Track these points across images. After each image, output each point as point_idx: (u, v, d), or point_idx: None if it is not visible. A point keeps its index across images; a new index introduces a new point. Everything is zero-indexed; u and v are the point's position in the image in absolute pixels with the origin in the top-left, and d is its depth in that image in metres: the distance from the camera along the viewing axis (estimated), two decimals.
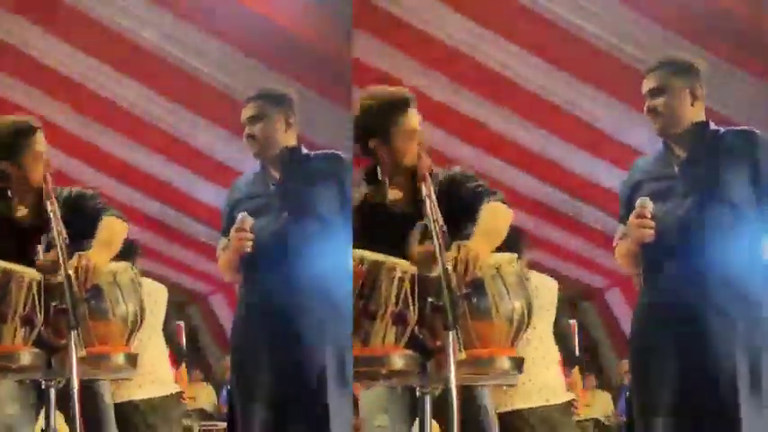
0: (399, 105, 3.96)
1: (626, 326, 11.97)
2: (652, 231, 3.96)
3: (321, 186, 4.37)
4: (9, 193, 4.36)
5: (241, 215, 4.25)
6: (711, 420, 3.88)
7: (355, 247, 3.78)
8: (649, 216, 3.95)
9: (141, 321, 4.29)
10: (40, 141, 4.35)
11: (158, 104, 8.75)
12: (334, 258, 4.32)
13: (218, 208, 4.81)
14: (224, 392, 11.55)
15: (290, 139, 4.45)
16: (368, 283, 3.61)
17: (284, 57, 7.40)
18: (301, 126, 4.56)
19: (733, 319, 3.92)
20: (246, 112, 4.42)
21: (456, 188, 3.91)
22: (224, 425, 10.68)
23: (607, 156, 8.08)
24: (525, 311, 3.73)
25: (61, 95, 8.46)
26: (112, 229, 4.28)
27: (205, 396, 12.02)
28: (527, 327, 3.76)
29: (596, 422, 11.12)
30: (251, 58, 7.81)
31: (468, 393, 3.83)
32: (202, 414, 11.43)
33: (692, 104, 4.06)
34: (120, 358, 4.21)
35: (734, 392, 3.86)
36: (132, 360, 4.25)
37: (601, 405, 11.14)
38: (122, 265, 4.31)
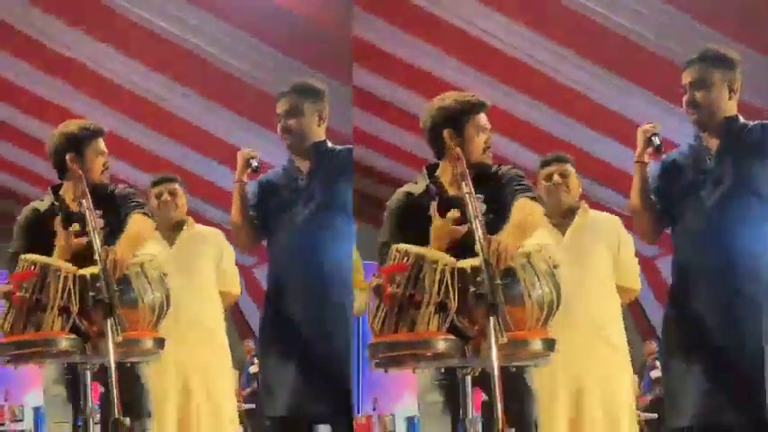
0: (475, 106, 4.33)
1: (648, 306, 12.19)
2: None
3: (343, 180, 4.75)
4: (63, 188, 4.79)
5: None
6: (740, 410, 4.12)
7: (414, 236, 4.13)
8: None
9: (167, 308, 4.68)
10: (102, 143, 4.81)
11: (170, 88, 8.88)
12: (345, 246, 4.73)
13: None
14: (245, 375, 11.84)
15: (320, 133, 4.80)
16: (413, 275, 3.94)
17: (286, 34, 7.58)
18: None
19: (760, 307, 4.15)
20: (281, 107, 4.78)
21: (502, 186, 4.28)
22: (245, 406, 10.99)
23: (620, 137, 8.22)
24: (555, 296, 4.07)
25: (86, 86, 8.66)
26: (139, 226, 4.71)
27: None
28: (556, 310, 4.10)
29: None
30: (253, 38, 7.98)
31: (520, 378, 4.21)
32: None
33: (729, 98, 4.25)
34: (148, 342, 4.63)
35: (761, 380, 4.09)
36: (160, 344, 4.67)
37: None
38: (148, 256, 4.71)
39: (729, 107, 4.28)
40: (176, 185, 6.02)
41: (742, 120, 4.30)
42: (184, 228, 6.05)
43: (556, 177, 5.35)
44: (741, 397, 4.14)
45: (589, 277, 5.22)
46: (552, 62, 7.92)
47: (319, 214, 4.75)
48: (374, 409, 9.02)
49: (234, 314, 13.69)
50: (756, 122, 4.31)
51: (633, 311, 12.69)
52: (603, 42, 7.42)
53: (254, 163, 4.80)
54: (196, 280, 5.94)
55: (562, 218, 5.37)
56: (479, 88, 8.01)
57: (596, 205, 5.66)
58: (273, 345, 4.76)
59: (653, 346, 11.29)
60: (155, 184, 6.02)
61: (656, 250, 10.59)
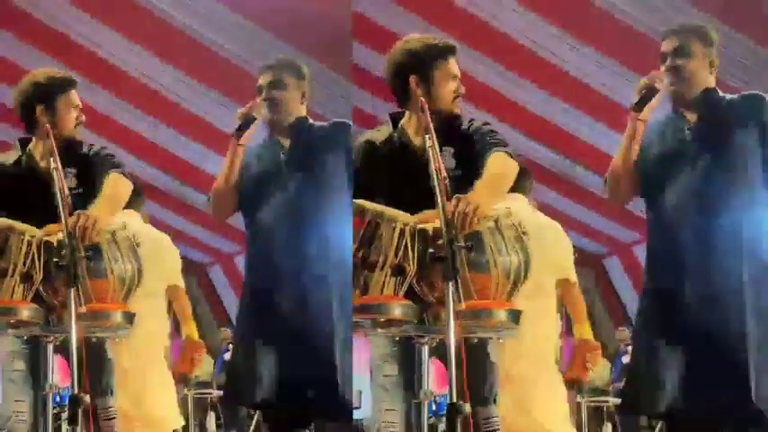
0: (444, 50, 4.05)
1: (624, 294, 12.06)
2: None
3: (328, 155, 4.44)
4: (33, 143, 4.47)
5: None
6: (721, 383, 3.95)
7: (374, 188, 3.89)
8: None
9: (139, 280, 4.38)
10: (75, 95, 4.50)
11: (161, 70, 8.69)
12: (339, 221, 4.42)
13: None
14: (219, 362, 11.69)
15: (302, 110, 4.52)
16: (368, 234, 3.68)
17: (284, 23, 7.41)
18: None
19: (742, 282, 3.98)
20: (266, 78, 4.46)
21: (474, 141, 3.98)
22: (218, 393, 10.82)
23: (607, 120, 8.10)
24: (522, 266, 3.78)
25: (70, 60, 8.43)
26: (116, 187, 4.38)
27: (202, 366, 12.10)
28: (524, 281, 3.81)
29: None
30: (249, 22, 7.81)
31: (481, 350, 3.95)
32: (198, 383, 11.55)
33: (710, 72, 4.11)
34: (117, 316, 4.30)
35: (744, 353, 3.93)
36: (129, 318, 4.33)
37: (600, 374, 11.27)
38: (120, 223, 4.39)
39: (709, 81, 4.14)
40: None
41: (721, 93, 4.15)
42: None
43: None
44: (722, 383, 3.96)
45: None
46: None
47: (303, 192, 4.43)
48: None
49: (212, 301, 13.57)
50: (737, 95, 4.17)
51: (607, 298, 12.55)
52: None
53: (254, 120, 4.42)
54: None
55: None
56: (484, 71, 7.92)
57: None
58: (249, 330, 4.44)
59: (625, 333, 11.27)
60: None
61: (636, 236, 10.44)
